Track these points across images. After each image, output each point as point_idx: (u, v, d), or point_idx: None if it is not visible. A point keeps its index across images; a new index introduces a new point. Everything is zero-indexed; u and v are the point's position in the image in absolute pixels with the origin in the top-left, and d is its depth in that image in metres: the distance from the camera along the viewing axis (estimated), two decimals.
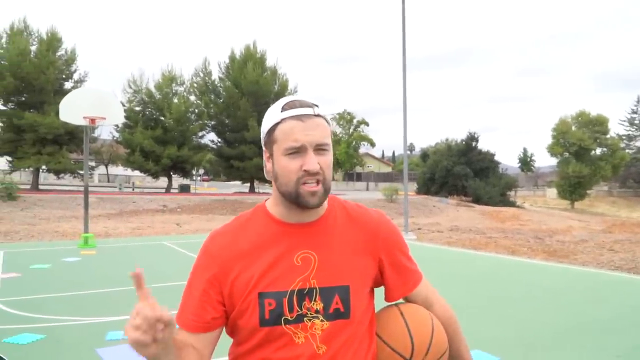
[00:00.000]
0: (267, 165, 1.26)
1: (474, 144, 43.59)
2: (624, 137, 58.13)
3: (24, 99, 30.77)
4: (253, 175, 36.10)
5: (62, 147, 31.32)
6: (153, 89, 35.91)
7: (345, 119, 58.56)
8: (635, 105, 59.99)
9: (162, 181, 41.71)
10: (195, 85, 37.97)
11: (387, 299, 1.35)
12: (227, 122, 37.20)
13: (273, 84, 37.10)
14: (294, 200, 1.19)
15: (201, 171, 53.13)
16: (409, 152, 18.17)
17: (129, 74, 57.20)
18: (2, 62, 29.63)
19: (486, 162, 42.51)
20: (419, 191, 43.39)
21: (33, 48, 30.98)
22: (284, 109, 1.20)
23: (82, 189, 16.91)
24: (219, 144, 38.77)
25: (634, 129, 60.15)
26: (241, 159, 35.02)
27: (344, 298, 1.21)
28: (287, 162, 1.17)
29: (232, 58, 37.59)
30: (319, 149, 1.18)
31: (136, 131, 33.85)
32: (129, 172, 43.74)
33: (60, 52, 32.35)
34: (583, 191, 44.46)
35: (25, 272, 8.65)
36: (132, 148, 34.29)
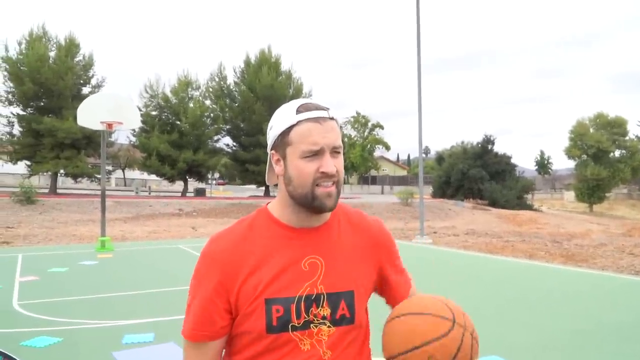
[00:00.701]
0: (277, 168, 1.22)
1: (489, 146, 43.27)
2: None
3: (42, 104, 31.28)
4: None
5: (79, 151, 31.75)
6: (169, 94, 36.27)
7: (360, 122, 58.46)
8: None
9: (178, 185, 42.03)
10: (210, 89, 38.28)
11: (393, 300, 1.37)
12: (242, 126, 37.40)
13: (288, 88, 37.25)
14: (310, 203, 1.17)
15: (216, 175, 53.42)
16: (424, 155, 18.08)
17: (145, 79, 57.80)
18: (22, 67, 30.14)
19: (502, 164, 42.16)
20: (435, 194, 43.15)
21: (52, 54, 31.48)
22: (299, 111, 1.18)
23: (99, 192, 17.09)
24: (234, 148, 38.98)
25: None
26: (256, 162, 35.15)
27: (349, 303, 1.23)
28: (304, 165, 1.16)
29: (247, 62, 37.84)
30: (335, 151, 1.19)
31: (152, 135, 34.19)
32: (145, 176, 44.17)
33: (78, 58, 32.83)
34: (602, 194, 43.90)
35: (43, 276, 8.74)
36: (149, 152, 34.62)
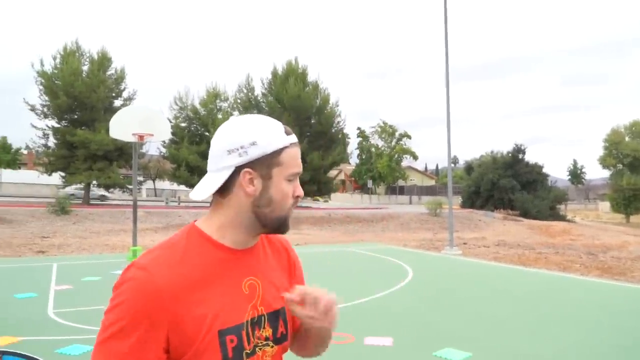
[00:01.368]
0: (248, 188, 1.11)
1: (520, 155, 42.55)
2: None
3: (76, 116, 32.05)
4: None
5: (111, 162, 32.34)
6: (198, 106, 36.82)
7: (387, 131, 58.24)
8: None
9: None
10: (238, 100, 38.70)
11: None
12: None
13: (314, 98, 37.42)
14: (280, 225, 1.16)
15: None
16: (452, 165, 17.89)
17: (175, 91, 58.76)
18: (56, 81, 31.00)
19: (534, 174, 41.38)
20: (464, 205, 42.60)
21: (85, 68, 32.27)
22: (287, 132, 1.16)
23: (130, 203, 17.38)
24: None
25: None
26: None
27: (284, 320, 1.21)
28: (287, 187, 1.15)
29: (274, 73, 38.17)
30: None
31: (182, 147, 34.71)
32: (175, 186, 44.76)
33: (111, 72, 33.53)
34: (639, 204, 42.67)
35: (77, 284, 8.93)
36: (178, 163, 35.14)
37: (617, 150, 43.58)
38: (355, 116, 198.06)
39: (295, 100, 35.42)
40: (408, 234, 23.14)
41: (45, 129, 32.57)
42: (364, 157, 58.29)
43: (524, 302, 7.92)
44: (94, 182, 33.17)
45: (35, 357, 1.99)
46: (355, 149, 59.32)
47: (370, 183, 57.54)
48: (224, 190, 1.13)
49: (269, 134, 1.13)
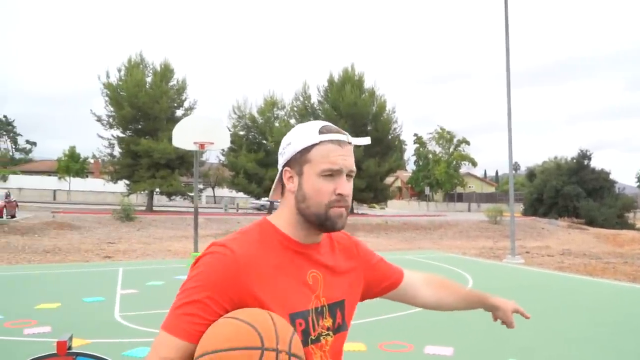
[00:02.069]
0: (289, 185, 1.23)
1: (586, 161, 40.80)
2: None
3: (140, 126, 33.38)
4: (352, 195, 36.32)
5: (174, 170, 33.42)
6: (256, 114, 37.53)
7: (444, 138, 57.25)
8: None
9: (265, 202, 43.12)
10: (295, 109, 39.13)
11: (392, 286, 1.48)
12: None
13: (371, 105, 37.36)
14: (322, 222, 1.20)
15: None
16: (513, 172, 17.39)
17: (233, 100, 60.19)
18: (121, 93, 32.42)
19: (600, 181, 39.56)
20: (526, 212, 41.23)
21: (148, 79, 33.59)
22: (321, 131, 1.20)
23: (191, 210, 17.87)
24: None
25: None
26: None
27: (342, 312, 1.28)
28: (321, 184, 1.18)
29: (331, 81, 38.37)
30: (350, 175, 1.23)
31: (240, 154, 35.45)
32: (233, 193, 45.71)
33: (172, 82, 34.74)
34: None
35: (142, 289, 9.26)
36: (237, 171, 35.90)
37: None
38: (412, 122, 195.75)
39: (351, 107, 35.48)
40: (467, 242, 22.60)
41: (110, 139, 34.10)
42: (421, 163, 57.53)
43: (591, 313, 7.57)
44: (157, 189, 34.36)
45: (105, 358, 2.08)
46: (412, 155, 58.74)
47: (427, 190, 56.70)
48: (282, 189, 1.27)
49: (301, 134, 1.22)
